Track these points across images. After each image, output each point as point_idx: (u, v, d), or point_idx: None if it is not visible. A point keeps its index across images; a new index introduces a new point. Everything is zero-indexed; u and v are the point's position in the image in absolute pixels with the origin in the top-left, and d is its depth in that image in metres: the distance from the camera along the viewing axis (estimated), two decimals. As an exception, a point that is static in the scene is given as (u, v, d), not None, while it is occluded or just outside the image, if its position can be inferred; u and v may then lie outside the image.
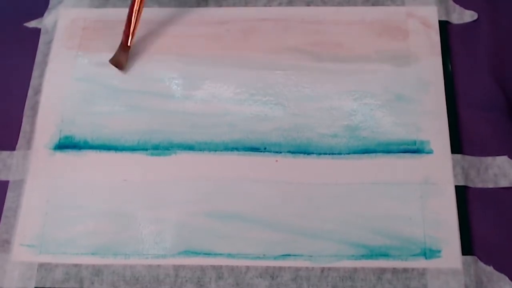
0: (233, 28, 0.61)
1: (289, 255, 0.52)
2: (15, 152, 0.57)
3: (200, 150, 0.56)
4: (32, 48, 0.62)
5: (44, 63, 0.61)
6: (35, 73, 0.60)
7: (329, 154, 0.55)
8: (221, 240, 0.52)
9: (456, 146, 0.55)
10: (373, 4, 0.62)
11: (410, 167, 0.54)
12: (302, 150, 0.55)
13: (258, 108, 0.57)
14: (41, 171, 0.56)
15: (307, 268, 0.51)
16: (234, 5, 0.63)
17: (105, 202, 0.54)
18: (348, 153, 0.55)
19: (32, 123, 0.58)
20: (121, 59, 0.59)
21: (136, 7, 0.57)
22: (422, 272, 0.50)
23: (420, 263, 0.51)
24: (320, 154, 0.55)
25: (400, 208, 0.53)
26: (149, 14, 0.62)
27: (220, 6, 0.63)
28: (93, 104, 0.58)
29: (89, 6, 0.63)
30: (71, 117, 0.58)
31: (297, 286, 0.50)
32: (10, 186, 0.56)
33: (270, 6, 0.62)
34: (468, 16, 0.61)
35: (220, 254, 0.52)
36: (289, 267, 0.51)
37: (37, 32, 0.63)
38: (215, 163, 0.55)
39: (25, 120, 0.58)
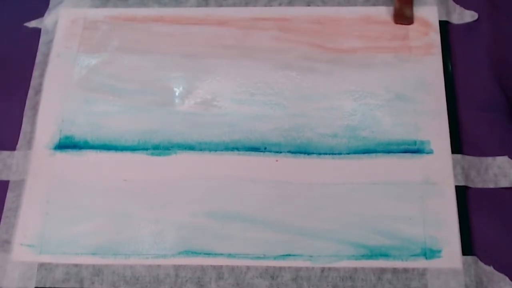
0: (233, 28, 0.61)
1: (289, 255, 0.52)
2: (15, 152, 0.57)
3: (200, 150, 0.56)
4: (32, 48, 0.62)
5: (44, 63, 0.61)
6: (35, 73, 0.61)
7: (329, 154, 0.55)
8: (221, 240, 0.52)
9: (456, 146, 0.55)
10: (373, 4, 0.62)
11: (410, 167, 0.54)
12: (302, 150, 0.55)
13: (258, 108, 0.57)
14: (41, 171, 0.56)
15: (307, 268, 0.51)
16: (234, 5, 0.63)
17: (105, 202, 0.54)
18: (348, 153, 0.55)
19: (33, 123, 0.58)
20: (407, 13, 0.59)
21: None
22: (423, 272, 0.50)
23: (421, 263, 0.51)
24: (320, 154, 0.55)
25: (400, 208, 0.53)
26: (149, 14, 0.63)
27: (220, 6, 0.63)
28: (93, 104, 0.58)
29: (89, 6, 0.63)
30: (71, 117, 0.58)
31: (297, 286, 0.50)
32: (10, 186, 0.56)
33: (270, 6, 0.62)
34: (468, 16, 0.61)
35: (221, 254, 0.52)
36: (289, 267, 0.51)
37: (37, 32, 0.63)
38: (215, 163, 0.55)
39: (25, 120, 0.58)
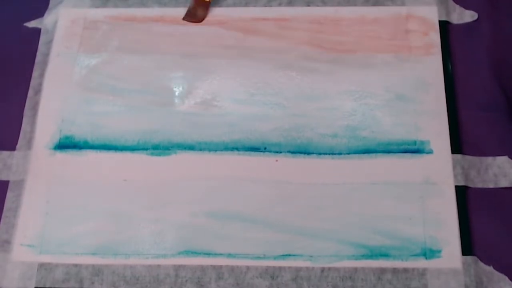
0: (233, 27, 0.61)
1: (289, 255, 0.52)
2: (15, 152, 0.57)
3: (200, 150, 0.56)
4: (32, 48, 0.62)
5: (44, 63, 0.61)
6: (35, 73, 0.60)
7: (329, 154, 0.55)
8: (221, 240, 0.52)
9: (456, 146, 0.55)
10: (373, 4, 0.62)
11: (410, 167, 0.54)
12: (302, 150, 0.55)
13: (258, 108, 0.57)
14: (41, 171, 0.56)
15: (307, 268, 0.51)
16: (234, 5, 0.63)
17: (105, 202, 0.54)
18: (348, 153, 0.55)
19: (32, 123, 0.58)
20: (199, 13, 0.61)
21: None
22: (422, 272, 0.50)
23: (420, 263, 0.51)
24: (320, 154, 0.55)
25: (400, 208, 0.53)
26: (149, 14, 0.63)
27: (220, 6, 0.63)
28: (93, 104, 0.58)
29: (89, 6, 0.63)
30: (71, 117, 0.58)
31: (297, 286, 0.50)
32: (10, 186, 0.56)
33: (270, 6, 0.62)
34: (468, 16, 0.61)
35: (220, 254, 0.52)
36: (289, 267, 0.51)
37: (37, 32, 0.63)
38: (215, 163, 0.55)
39: (25, 120, 0.58)
